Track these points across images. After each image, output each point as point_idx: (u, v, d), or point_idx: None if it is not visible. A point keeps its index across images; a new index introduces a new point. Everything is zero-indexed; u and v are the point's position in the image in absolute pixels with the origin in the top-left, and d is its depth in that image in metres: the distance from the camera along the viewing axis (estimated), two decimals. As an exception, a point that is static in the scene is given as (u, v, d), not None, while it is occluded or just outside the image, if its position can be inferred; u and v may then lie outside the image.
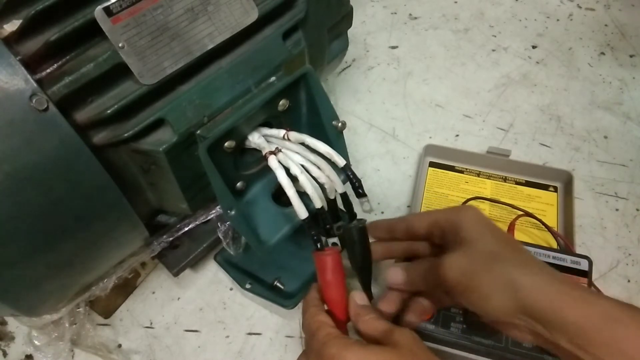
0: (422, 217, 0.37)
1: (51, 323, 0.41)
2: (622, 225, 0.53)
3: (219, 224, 0.42)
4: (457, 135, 0.61)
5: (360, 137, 0.61)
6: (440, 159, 0.57)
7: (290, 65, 0.39)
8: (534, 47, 0.70)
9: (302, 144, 0.37)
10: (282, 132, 0.38)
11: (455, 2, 0.77)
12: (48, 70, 0.30)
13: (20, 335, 0.47)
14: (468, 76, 0.67)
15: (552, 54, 0.69)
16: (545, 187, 0.54)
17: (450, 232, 0.34)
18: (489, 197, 0.53)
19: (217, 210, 0.41)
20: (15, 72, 0.28)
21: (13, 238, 0.30)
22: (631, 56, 0.69)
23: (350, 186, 0.38)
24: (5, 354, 0.47)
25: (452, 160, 0.56)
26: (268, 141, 0.38)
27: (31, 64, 0.29)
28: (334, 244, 0.42)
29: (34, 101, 0.28)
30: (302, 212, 0.35)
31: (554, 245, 0.49)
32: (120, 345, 0.46)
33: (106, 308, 0.48)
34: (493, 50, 0.70)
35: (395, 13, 0.75)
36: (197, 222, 0.42)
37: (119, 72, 0.32)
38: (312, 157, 0.37)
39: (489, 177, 0.55)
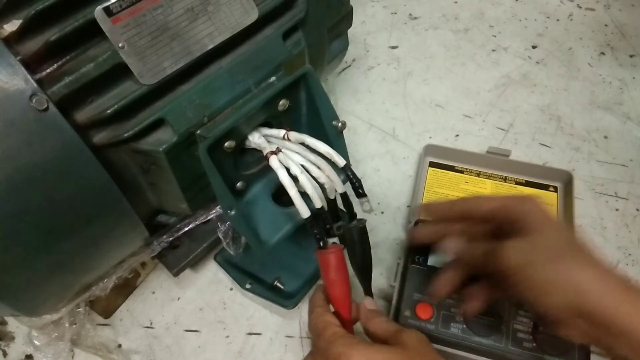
0: (488, 200, 0.36)
1: (51, 323, 0.41)
2: (622, 225, 0.53)
3: (219, 224, 0.42)
4: (457, 135, 0.61)
5: (360, 137, 0.61)
6: (440, 159, 0.57)
7: (290, 65, 0.39)
8: (534, 47, 0.70)
9: (302, 144, 0.37)
10: (282, 132, 0.38)
11: (455, 2, 0.77)
12: (48, 70, 0.30)
13: (20, 335, 0.47)
14: (468, 76, 0.67)
15: (552, 54, 0.69)
16: (545, 187, 0.54)
17: (517, 220, 0.33)
18: (489, 197, 0.53)
19: (217, 210, 0.41)
20: (15, 72, 0.28)
21: (13, 238, 0.30)
22: (631, 56, 0.69)
23: (350, 186, 0.38)
24: (5, 354, 0.47)
25: (452, 160, 0.56)
26: (268, 141, 0.38)
27: (31, 64, 0.29)
28: (334, 243, 0.42)
29: (34, 101, 0.28)
30: (304, 211, 0.35)
31: (554, 245, 0.49)
32: (120, 345, 0.46)
33: (106, 308, 0.48)
34: (493, 50, 0.70)
35: (395, 13, 0.75)
36: (197, 222, 0.42)
37: (119, 72, 0.31)
38: (312, 157, 0.36)
39: (489, 177, 0.55)
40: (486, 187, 0.54)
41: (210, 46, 0.35)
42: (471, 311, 0.37)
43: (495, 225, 0.35)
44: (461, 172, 0.56)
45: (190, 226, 0.42)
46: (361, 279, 0.39)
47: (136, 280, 0.49)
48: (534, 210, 0.33)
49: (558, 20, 0.74)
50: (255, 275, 0.48)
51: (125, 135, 0.32)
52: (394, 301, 0.43)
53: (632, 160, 0.58)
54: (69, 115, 0.30)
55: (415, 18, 0.75)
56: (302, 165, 0.36)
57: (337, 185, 0.37)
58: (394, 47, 0.71)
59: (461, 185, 0.55)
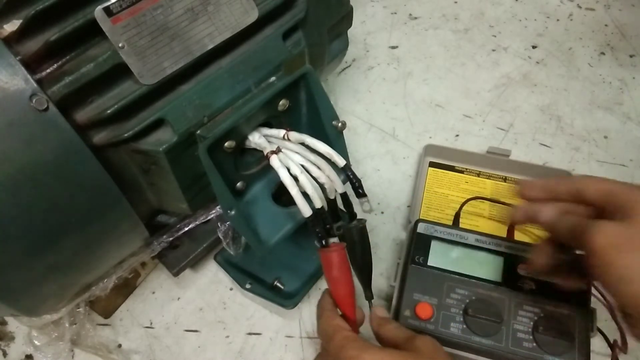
0: (599, 183, 0.34)
1: (51, 323, 0.41)
2: (622, 225, 0.52)
3: (219, 224, 0.42)
4: (457, 135, 0.61)
5: (360, 137, 0.61)
6: (440, 159, 0.57)
7: (290, 65, 0.39)
8: (534, 47, 0.70)
9: (302, 144, 0.37)
10: (282, 132, 0.38)
11: (455, 2, 0.77)
12: (48, 70, 0.30)
13: (20, 335, 0.47)
14: (468, 76, 0.67)
15: (552, 54, 0.69)
16: (545, 187, 0.54)
17: (622, 206, 0.31)
18: (489, 197, 0.53)
19: (217, 210, 0.41)
20: (15, 72, 0.28)
21: (13, 238, 0.30)
22: (631, 56, 0.69)
23: (350, 186, 0.38)
24: (5, 354, 0.47)
25: (452, 160, 0.56)
26: (268, 141, 0.38)
27: (31, 64, 0.29)
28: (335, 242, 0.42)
29: (34, 101, 0.28)
30: (306, 210, 0.35)
31: (554, 245, 0.49)
32: (120, 345, 0.46)
33: (106, 308, 0.48)
34: (493, 50, 0.70)
35: (395, 13, 0.75)
36: (197, 222, 0.42)
37: (119, 72, 0.32)
38: (312, 157, 0.37)
39: (489, 177, 0.55)
40: (486, 187, 0.54)
41: (210, 46, 0.35)
42: (538, 262, 0.35)
43: (598, 210, 0.34)
44: (461, 172, 0.56)
45: (190, 226, 0.42)
46: (361, 279, 0.39)
47: (136, 280, 0.49)
48: None
49: (558, 20, 0.74)
50: (255, 275, 0.48)
51: (125, 135, 0.32)
52: (394, 301, 0.43)
53: (632, 160, 0.58)
54: (69, 116, 0.30)
55: (415, 18, 0.75)
56: (302, 165, 0.36)
57: (337, 185, 0.37)
58: (394, 47, 0.71)
59: (461, 185, 0.55)
